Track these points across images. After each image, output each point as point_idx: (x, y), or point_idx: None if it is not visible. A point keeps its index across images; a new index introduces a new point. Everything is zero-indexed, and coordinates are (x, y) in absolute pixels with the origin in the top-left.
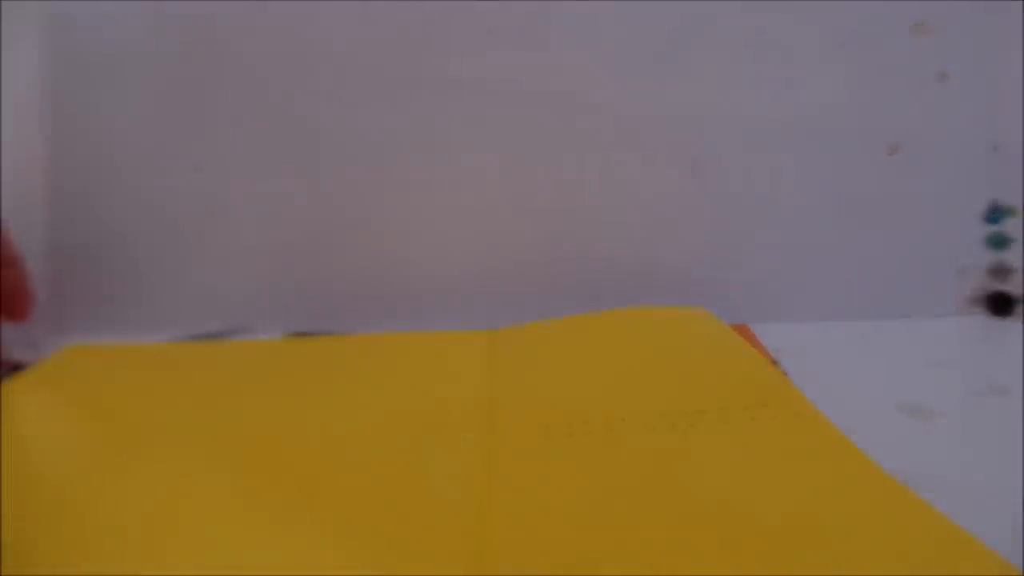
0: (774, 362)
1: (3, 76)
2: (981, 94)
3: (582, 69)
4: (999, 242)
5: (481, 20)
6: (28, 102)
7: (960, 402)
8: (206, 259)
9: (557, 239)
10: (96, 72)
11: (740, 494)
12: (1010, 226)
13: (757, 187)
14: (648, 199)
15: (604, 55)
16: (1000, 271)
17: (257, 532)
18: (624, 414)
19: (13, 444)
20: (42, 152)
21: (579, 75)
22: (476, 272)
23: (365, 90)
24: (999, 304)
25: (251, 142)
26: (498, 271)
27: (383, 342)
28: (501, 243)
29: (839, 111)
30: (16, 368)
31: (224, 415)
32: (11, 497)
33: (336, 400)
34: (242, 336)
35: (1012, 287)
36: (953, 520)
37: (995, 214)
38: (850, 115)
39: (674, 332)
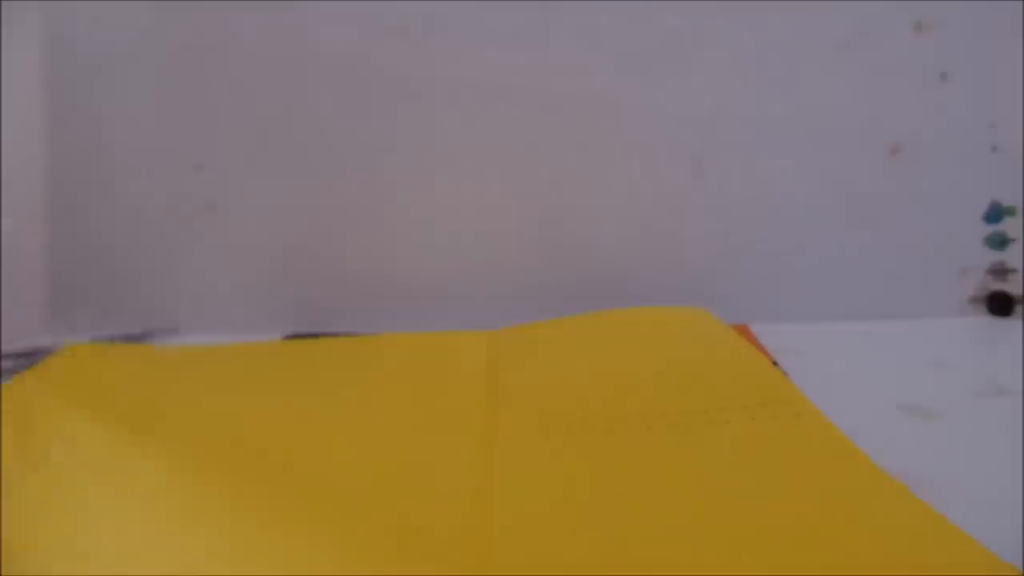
0: (774, 362)
1: (3, 76)
2: (981, 94)
3: (582, 69)
4: (999, 242)
5: (481, 20)
6: (28, 102)
7: (960, 402)
8: (206, 259)
9: (557, 239)
10: (96, 72)
11: (740, 494)
12: (1010, 226)
13: (757, 187)
14: (648, 199)
15: (604, 55)
16: (1000, 271)
17: (257, 532)
18: (624, 414)
19: (14, 444)
20: (42, 152)
21: (579, 75)
22: (476, 272)
23: (365, 91)
24: (999, 304)
25: (251, 142)
26: (498, 271)
27: (383, 343)
28: (501, 243)
29: (839, 111)
30: (27, 357)
31: (224, 416)
32: (11, 496)
33: (336, 401)
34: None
35: (1012, 287)
36: (953, 520)
37: (995, 214)
38: (850, 115)
39: (674, 332)
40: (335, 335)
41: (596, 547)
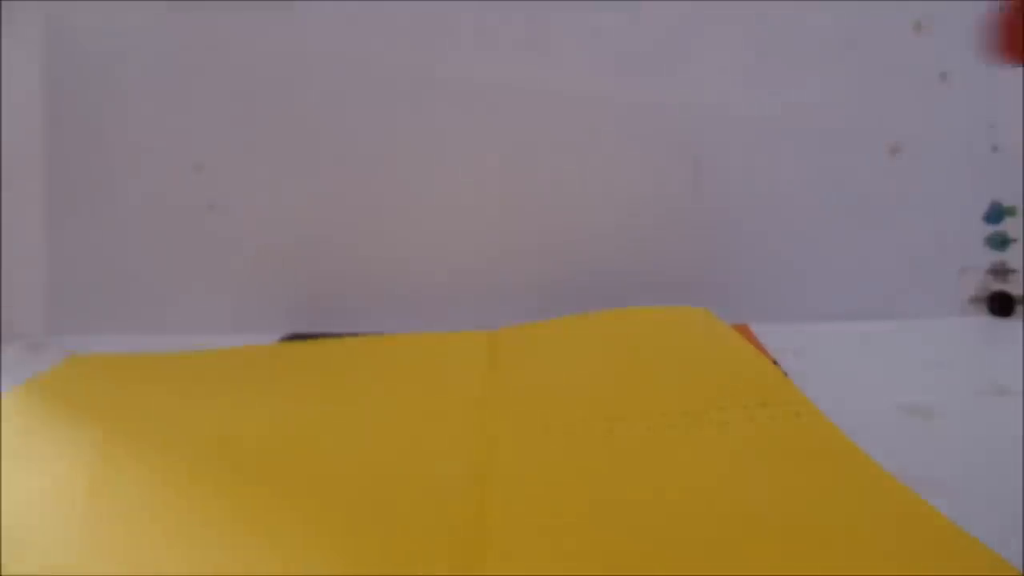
0: (774, 362)
1: (3, 76)
2: (981, 94)
3: (582, 69)
4: (999, 242)
5: (481, 20)
6: (28, 102)
7: (961, 402)
8: (206, 259)
9: (557, 239)
10: (96, 72)
11: (740, 494)
12: (1011, 226)
13: (757, 187)
14: (648, 199)
15: (604, 55)
16: (1001, 271)
17: (257, 533)
18: (624, 414)
19: (14, 447)
20: (42, 152)
21: (579, 75)
22: (476, 272)
23: (365, 90)
24: (1000, 304)
25: (251, 142)
26: (498, 271)
27: (383, 343)
28: (501, 243)
29: (840, 111)
30: None
31: (224, 419)
32: (11, 498)
33: (336, 401)
34: None
35: (1013, 287)
36: (953, 520)
37: (995, 214)
38: (851, 115)
39: (674, 332)
40: (335, 335)
41: (595, 547)
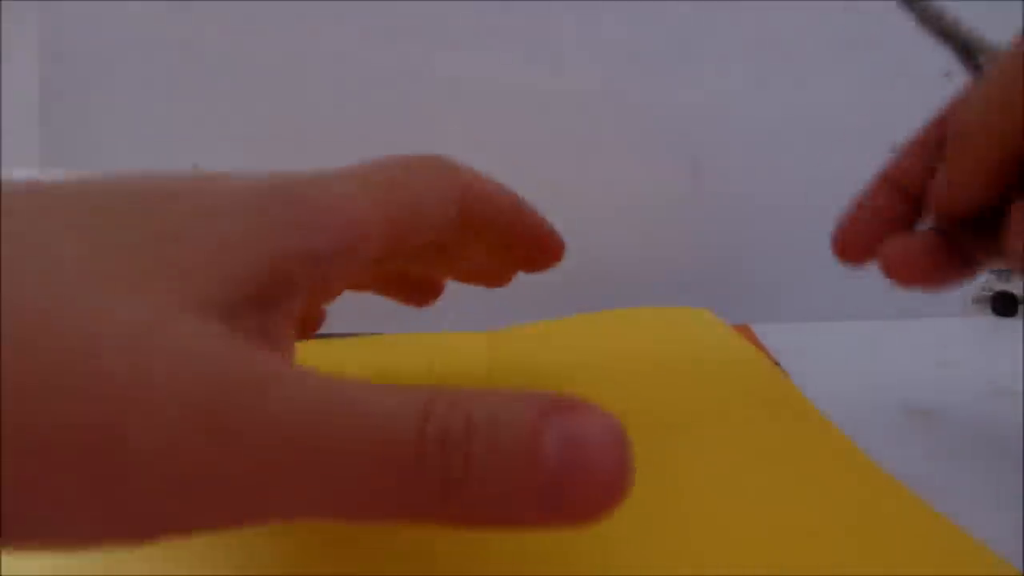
0: (775, 362)
1: (3, 76)
2: None
3: (582, 69)
4: None
5: (482, 20)
6: (27, 102)
7: (962, 402)
8: None
9: None
10: (95, 72)
11: (739, 494)
12: None
13: (757, 187)
14: (648, 199)
15: (605, 55)
16: (1003, 271)
17: (255, 532)
18: (625, 414)
19: None
20: (39, 152)
21: (579, 75)
22: None
23: (365, 89)
24: (1003, 304)
25: (251, 142)
26: None
27: (384, 342)
28: None
29: (842, 111)
30: None
31: None
32: None
33: None
34: None
35: (1016, 287)
36: (953, 520)
37: None
38: (853, 115)
39: (675, 332)
40: (335, 335)
41: (594, 547)
